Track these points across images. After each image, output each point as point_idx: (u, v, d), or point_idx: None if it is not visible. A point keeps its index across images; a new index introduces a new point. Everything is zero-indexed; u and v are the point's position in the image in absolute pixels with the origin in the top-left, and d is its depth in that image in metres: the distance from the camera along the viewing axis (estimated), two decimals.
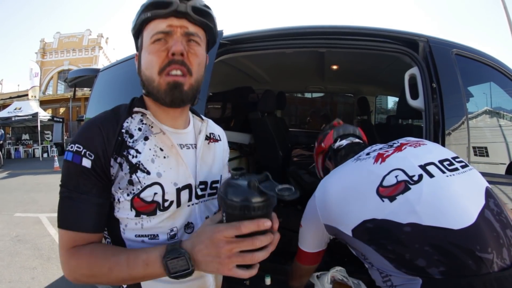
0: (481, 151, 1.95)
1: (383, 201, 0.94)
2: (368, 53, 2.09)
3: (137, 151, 0.81)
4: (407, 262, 0.88)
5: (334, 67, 3.47)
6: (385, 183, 0.97)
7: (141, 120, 0.86)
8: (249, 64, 3.31)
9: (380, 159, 1.06)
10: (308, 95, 5.45)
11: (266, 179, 0.65)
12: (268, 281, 1.98)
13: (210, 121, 1.05)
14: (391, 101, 5.07)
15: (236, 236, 0.64)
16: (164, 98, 0.81)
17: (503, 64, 2.00)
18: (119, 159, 0.79)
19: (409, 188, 0.94)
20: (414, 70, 1.70)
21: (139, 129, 0.84)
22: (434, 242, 0.86)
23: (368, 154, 1.14)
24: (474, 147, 1.75)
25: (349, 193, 1.05)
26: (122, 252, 0.75)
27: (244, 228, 0.63)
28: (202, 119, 1.00)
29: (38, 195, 7.11)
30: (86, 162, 0.76)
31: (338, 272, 1.83)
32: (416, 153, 1.06)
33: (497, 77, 2.05)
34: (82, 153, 0.77)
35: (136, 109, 0.86)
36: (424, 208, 0.89)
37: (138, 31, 0.86)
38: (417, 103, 1.67)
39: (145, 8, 0.81)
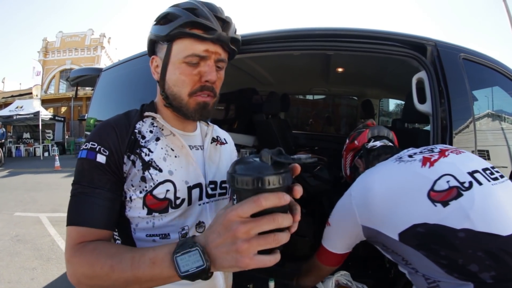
0: (482, 154, 1.95)
1: (435, 205, 0.93)
2: (375, 56, 2.08)
3: (149, 150, 0.84)
4: (460, 267, 0.88)
5: (340, 69, 3.45)
6: (436, 188, 0.96)
7: (152, 123, 0.90)
8: (253, 65, 3.29)
9: (428, 163, 1.05)
10: (309, 96, 5.42)
11: (279, 153, 0.58)
12: (272, 285, 1.96)
13: (215, 126, 1.10)
14: (393, 104, 5.05)
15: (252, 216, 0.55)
16: (193, 116, 0.87)
17: (508, 68, 1.99)
18: (132, 157, 0.82)
19: (462, 194, 0.94)
20: (422, 74, 1.68)
21: (151, 131, 0.88)
22: (486, 247, 0.87)
23: (411, 156, 1.12)
24: (478, 150, 1.74)
25: (396, 195, 1.01)
26: (127, 250, 0.69)
27: (265, 201, 0.52)
28: (208, 124, 1.05)
29: (39, 194, 7.11)
30: (101, 158, 0.78)
31: (342, 276, 1.82)
32: (462, 160, 1.06)
33: (503, 81, 2.04)
34: (97, 149, 0.79)
35: (146, 113, 0.89)
36: (476, 214, 0.90)
37: (166, 40, 0.85)
38: (425, 108, 1.65)
39: (186, 23, 0.80)
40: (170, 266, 0.60)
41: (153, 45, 0.90)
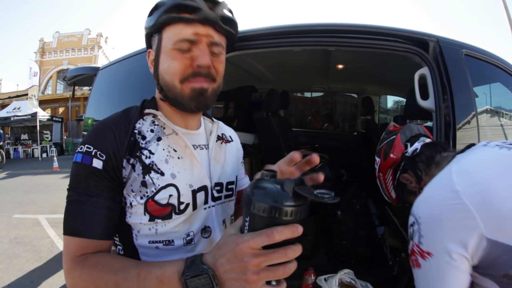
0: None
1: None
2: (376, 52, 2.07)
3: (150, 151, 0.78)
4: None
5: (340, 66, 3.44)
6: None
7: (153, 122, 0.84)
8: (252, 62, 3.27)
9: None
10: (308, 94, 5.41)
11: (301, 183, 0.56)
12: (274, 284, 1.95)
13: (220, 123, 1.04)
14: (391, 101, 5.04)
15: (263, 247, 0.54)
16: (189, 104, 0.79)
17: (510, 64, 1.99)
18: (132, 160, 0.76)
19: None
20: (424, 70, 1.67)
21: (151, 131, 0.82)
22: None
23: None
24: None
25: None
26: (132, 266, 0.67)
27: (278, 235, 0.51)
28: (213, 120, 0.98)
29: (37, 196, 7.06)
30: (97, 163, 0.72)
31: (346, 274, 1.81)
32: None
33: (504, 77, 2.04)
34: (93, 153, 0.73)
35: (147, 110, 0.83)
36: None
37: (156, 30, 0.80)
38: (428, 104, 1.64)
39: (170, 9, 0.76)
40: (177, 286, 0.60)
41: (149, 39, 0.85)
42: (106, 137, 0.75)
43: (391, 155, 1.16)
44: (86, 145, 0.74)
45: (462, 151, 0.92)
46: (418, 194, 0.97)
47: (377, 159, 1.24)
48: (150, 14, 0.81)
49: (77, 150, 0.75)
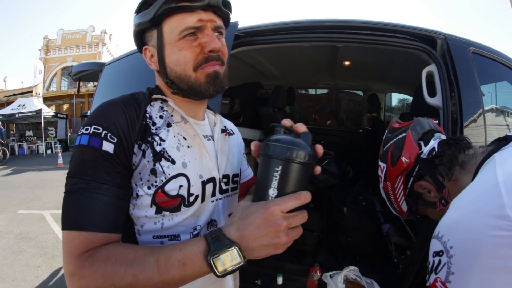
0: None
1: None
2: (384, 49, 2.06)
3: (161, 138, 0.74)
4: None
5: (347, 62, 3.43)
6: None
7: (162, 108, 0.80)
8: (259, 58, 3.27)
9: None
10: (312, 91, 5.40)
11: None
12: (280, 280, 1.97)
13: (220, 116, 1.01)
14: (395, 99, 5.03)
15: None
16: (208, 90, 0.77)
17: None
18: (143, 146, 0.71)
19: None
20: (432, 68, 1.67)
21: (161, 117, 0.78)
22: None
23: None
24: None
25: None
26: (147, 253, 0.60)
27: (304, 198, 0.60)
28: (215, 113, 0.97)
29: (42, 191, 7.11)
30: (108, 146, 0.65)
31: (351, 271, 1.82)
32: None
33: (511, 76, 2.02)
34: (102, 135, 0.66)
35: (155, 96, 0.80)
36: None
37: (153, 24, 0.76)
38: (435, 101, 1.64)
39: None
40: (203, 266, 0.59)
41: (140, 37, 0.81)
42: (118, 118, 0.69)
43: (403, 159, 0.93)
44: (94, 126, 0.67)
45: (497, 147, 0.73)
46: (439, 205, 0.88)
47: (382, 164, 1.00)
48: (140, 9, 0.78)
49: (81, 132, 0.67)
